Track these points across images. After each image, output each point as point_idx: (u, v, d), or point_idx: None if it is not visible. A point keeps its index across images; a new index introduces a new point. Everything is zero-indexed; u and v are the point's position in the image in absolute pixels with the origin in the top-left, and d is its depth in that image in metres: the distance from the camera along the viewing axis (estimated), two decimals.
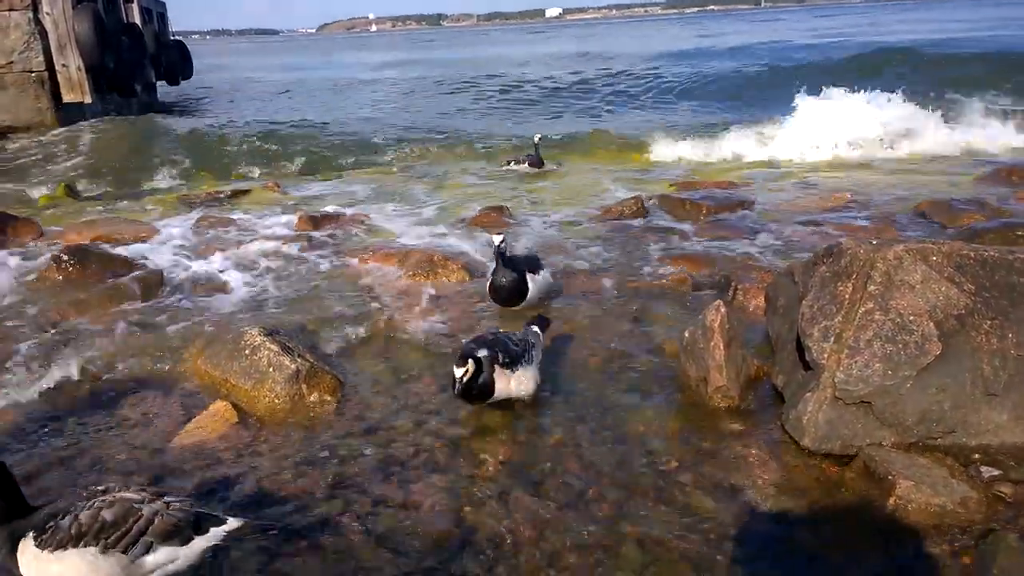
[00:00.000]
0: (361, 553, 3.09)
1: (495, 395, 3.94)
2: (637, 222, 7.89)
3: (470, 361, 3.82)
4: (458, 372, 3.82)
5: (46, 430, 4.10)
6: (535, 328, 4.40)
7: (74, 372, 4.73)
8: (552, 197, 9.61)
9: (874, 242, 4.04)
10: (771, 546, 3.08)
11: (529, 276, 5.28)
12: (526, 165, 11.54)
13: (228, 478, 3.61)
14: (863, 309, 3.65)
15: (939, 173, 10.08)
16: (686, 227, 7.65)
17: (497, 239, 5.16)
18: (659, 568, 2.96)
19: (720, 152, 13.01)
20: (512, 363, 3.97)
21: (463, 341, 4.37)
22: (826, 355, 3.67)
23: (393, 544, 3.14)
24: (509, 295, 5.29)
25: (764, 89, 19.70)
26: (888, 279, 3.67)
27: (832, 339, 3.67)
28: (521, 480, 3.54)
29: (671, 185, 9.87)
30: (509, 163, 11.80)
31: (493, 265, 5.45)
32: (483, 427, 4.00)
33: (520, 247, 6.75)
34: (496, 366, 3.91)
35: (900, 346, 3.57)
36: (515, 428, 3.99)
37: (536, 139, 11.90)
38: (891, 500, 3.28)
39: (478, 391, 3.91)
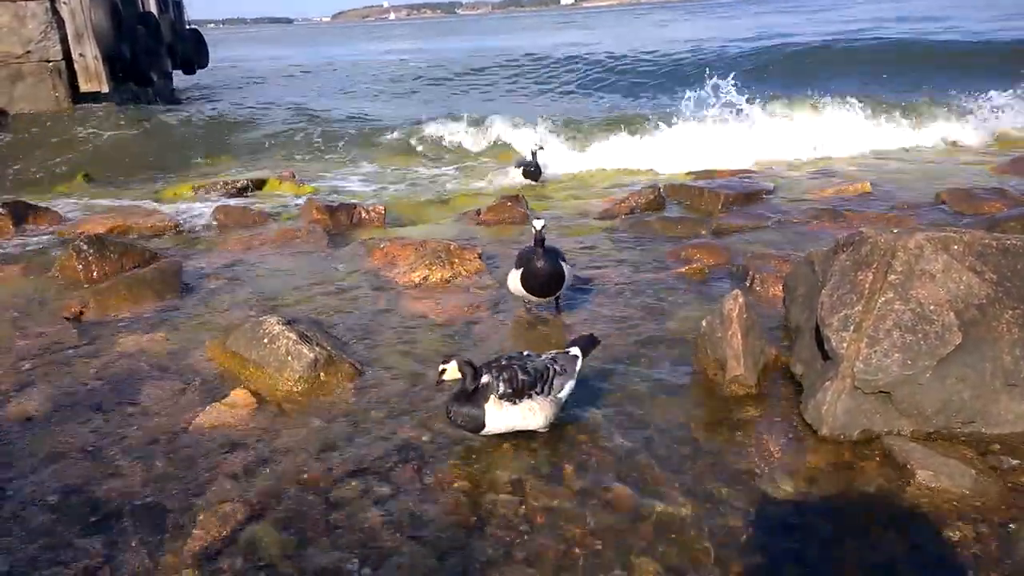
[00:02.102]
0: (379, 537, 3.12)
1: (488, 428, 3.57)
2: (652, 212, 7.86)
3: (452, 364, 3.52)
4: (440, 367, 3.55)
5: (67, 417, 4.15)
6: (574, 351, 3.87)
7: (94, 360, 4.78)
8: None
9: (895, 231, 4.00)
10: (788, 534, 3.08)
11: (566, 267, 5.04)
12: (519, 173, 9.90)
13: (247, 463, 3.65)
14: (883, 298, 3.62)
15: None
16: (701, 215, 7.61)
17: (539, 224, 4.88)
18: (676, 554, 2.97)
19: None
20: (515, 395, 3.56)
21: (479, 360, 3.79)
22: (845, 344, 3.65)
23: (411, 529, 3.17)
24: (548, 281, 4.97)
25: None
26: (909, 268, 3.64)
27: (852, 328, 3.65)
28: (538, 466, 3.55)
29: (687, 174, 9.82)
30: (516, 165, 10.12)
31: (521, 253, 5.14)
32: None
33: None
34: (492, 396, 3.54)
35: (920, 336, 3.55)
36: None
37: (536, 146, 10.02)
38: (910, 489, 3.27)
39: (461, 421, 3.56)
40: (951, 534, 3.03)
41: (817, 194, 8.34)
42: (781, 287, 5.06)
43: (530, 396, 3.58)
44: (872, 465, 3.48)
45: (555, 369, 3.69)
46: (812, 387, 3.81)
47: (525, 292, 5.04)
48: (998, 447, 3.53)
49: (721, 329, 4.20)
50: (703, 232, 7.05)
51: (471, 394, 3.52)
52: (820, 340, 3.87)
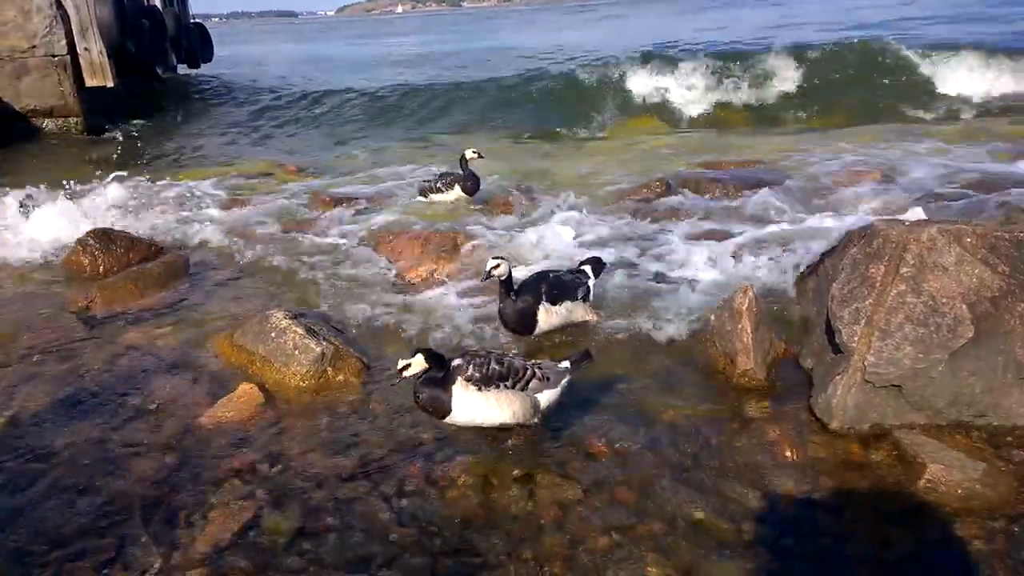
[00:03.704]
0: (388, 532, 3.12)
1: (455, 414, 3.47)
2: (661, 203, 7.82)
3: (418, 356, 3.38)
4: (400, 363, 3.39)
5: (77, 412, 4.15)
6: (564, 364, 3.77)
7: (102, 354, 4.79)
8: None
9: (907, 223, 3.97)
10: (798, 527, 3.07)
11: (544, 307, 4.59)
12: (456, 191, 7.86)
13: (255, 458, 3.65)
14: (895, 291, 3.59)
15: None
16: (711, 205, 7.56)
17: (491, 264, 4.39)
18: (685, 548, 2.96)
19: None
20: (483, 380, 3.48)
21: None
22: (856, 338, 3.62)
23: (419, 523, 3.16)
24: (511, 325, 4.64)
25: None
26: (921, 261, 3.61)
27: (863, 322, 3.63)
28: (545, 462, 3.54)
29: (698, 164, 9.75)
30: (433, 189, 7.97)
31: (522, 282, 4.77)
32: None
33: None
34: (460, 378, 3.46)
35: (932, 329, 3.52)
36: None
37: (471, 154, 7.86)
38: (921, 482, 3.25)
39: (427, 402, 3.47)
40: (962, 527, 3.01)
41: (826, 183, 8.26)
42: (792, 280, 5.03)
43: (498, 386, 3.52)
44: (883, 459, 3.45)
45: (535, 372, 3.62)
46: (822, 381, 3.79)
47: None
48: (1010, 440, 3.50)
49: (731, 323, 4.18)
50: (711, 222, 7.01)
51: (440, 379, 3.45)
52: (831, 333, 3.85)
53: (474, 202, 7.93)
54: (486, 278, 4.41)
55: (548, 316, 4.61)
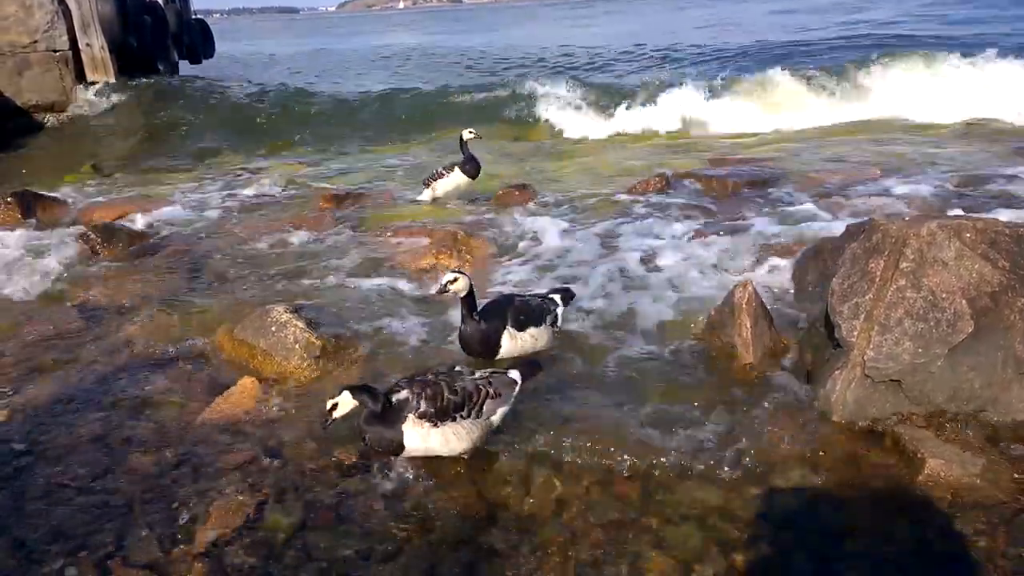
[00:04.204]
0: (387, 527, 3.13)
1: (408, 451, 3.34)
2: (661, 198, 7.82)
3: (344, 394, 3.21)
4: (328, 404, 3.24)
5: (77, 408, 4.16)
6: (514, 374, 3.66)
7: (103, 348, 4.80)
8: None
9: (907, 218, 3.97)
10: (797, 522, 3.08)
11: (510, 332, 4.30)
12: (457, 174, 7.67)
13: (256, 451, 3.65)
14: (895, 286, 3.59)
15: None
16: (711, 203, 7.57)
17: (447, 278, 4.10)
18: (685, 542, 2.97)
19: None
20: (437, 415, 3.29)
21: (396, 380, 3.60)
22: (856, 333, 3.63)
23: (419, 519, 3.17)
24: (473, 348, 4.34)
25: None
26: (921, 256, 3.61)
27: (862, 316, 3.63)
28: (545, 457, 3.55)
29: (698, 161, 9.76)
30: (435, 176, 7.79)
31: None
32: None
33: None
34: (411, 416, 3.27)
35: (931, 324, 3.52)
36: (539, 404, 3.99)
37: (469, 134, 7.63)
38: (920, 477, 3.26)
39: (375, 443, 3.31)
40: (961, 522, 3.02)
41: (826, 180, 8.27)
42: (792, 274, 5.03)
43: (454, 419, 3.30)
44: (882, 453, 3.46)
45: (488, 391, 3.42)
46: (822, 375, 3.80)
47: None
48: (1010, 435, 3.50)
49: (731, 317, 4.19)
50: (711, 218, 7.02)
51: (384, 414, 3.23)
52: (830, 328, 3.85)
53: (475, 193, 7.88)
54: (441, 292, 4.11)
55: (513, 342, 4.32)
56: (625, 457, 3.51)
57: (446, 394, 3.30)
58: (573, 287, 5.09)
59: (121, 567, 2.97)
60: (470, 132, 7.64)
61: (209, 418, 3.98)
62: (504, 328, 4.29)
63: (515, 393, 3.58)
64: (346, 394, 3.19)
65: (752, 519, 3.09)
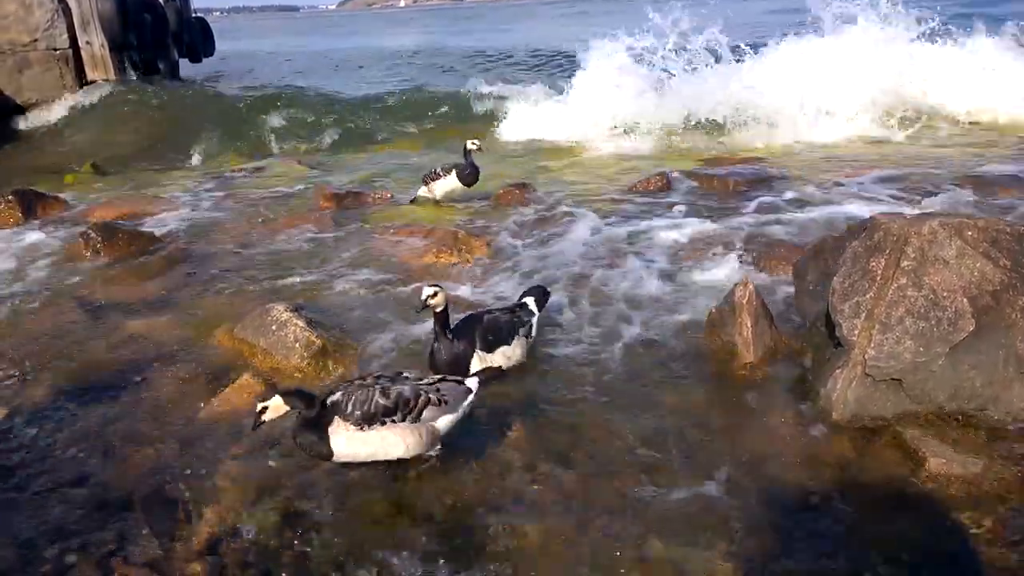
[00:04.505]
0: (386, 522, 3.13)
1: (337, 456, 3.22)
2: (661, 197, 7.82)
3: (276, 398, 3.12)
4: (258, 406, 3.13)
5: (78, 404, 4.16)
6: (471, 382, 3.51)
7: (103, 346, 4.80)
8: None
9: (908, 216, 3.97)
10: (798, 520, 3.07)
11: (479, 355, 4.12)
12: (452, 178, 7.56)
13: (256, 449, 3.65)
14: (896, 285, 3.59)
15: None
16: (710, 201, 7.57)
17: (427, 292, 3.94)
18: (687, 538, 2.96)
19: None
20: (365, 419, 3.18)
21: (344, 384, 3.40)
22: (857, 331, 3.62)
23: (417, 514, 3.17)
24: (442, 370, 4.03)
25: None
26: (922, 254, 3.61)
27: (863, 315, 3.63)
28: (547, 451, 3.55)
29: (698, 160, 9.76)
30: (432, 177, 7.72)
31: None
32: (507, 398, 4.00)
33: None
34: (338, 419, 3.17)
35: (933, 323, 3.52)
36: (540, 399, 4.00)
37: (472, 145, 7.55)
38: (921, 476, 3.26)
39: (305, 447, 3.20)
40: (963, 520, 3.02)
41: (826, 178, 8.26)
42: (792, 273, 5.03)
43: (383, 423, 3.19)
44: (883, 452, 3.46)
45: (430, 398, 3.29)
46: (823, 374, 3.79)
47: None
48: (1011, 434, 3.50)
49: (731, 316, 4.19)
50: (711, 217, 7.02)
51: (317, 418, 3.15)
52: (831, 327, 3.85)
53: (471, 194, 7.85)
54: (422, 308, 3.95)
55: (482, 365, 4.10)
56: (624, 453, 3.51)
57: (376, 398, 3.20)
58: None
59: (121, 564, 2.97)
60: (473, 143, 7.58)
61: (209, 415, 3.98)
62: (473, 351, 4.12)
63: (468, 402, 3.42)
64: (277, 398, 3.10)
65: (752, 517, 3.08)
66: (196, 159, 12.41)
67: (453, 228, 6.69)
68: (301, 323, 4.55)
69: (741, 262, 5.81)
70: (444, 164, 7.84)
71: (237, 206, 8.23)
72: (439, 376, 3.51)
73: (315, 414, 3.15)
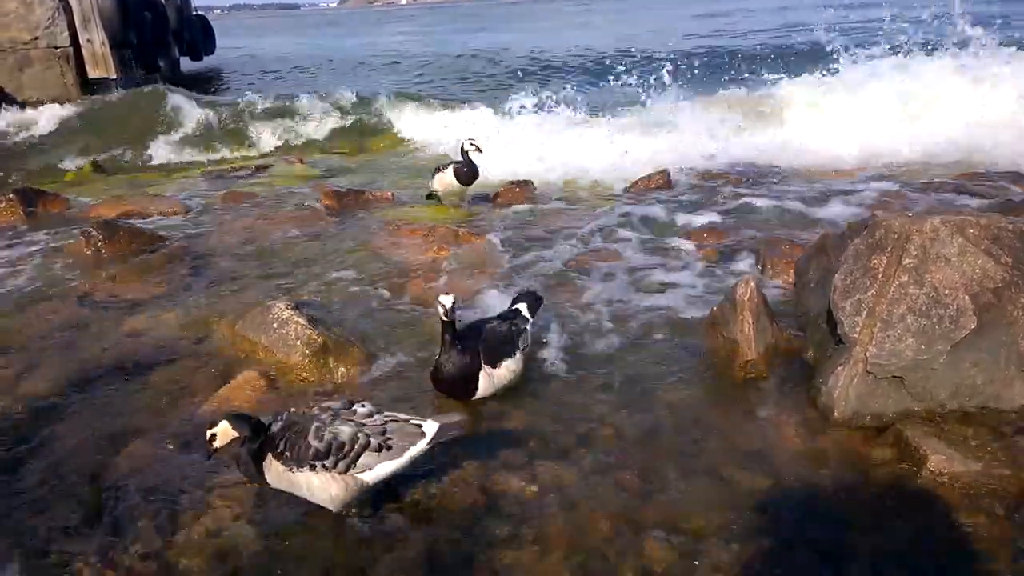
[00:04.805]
0: (389, 520, 3.13)
1: (274, 486, 3.06)
2: (662, 194, 7.82)
3: (223, 424, 2.95)
4: (207, 433, 2.98)
5: (78, 399, 4.17)
6: (428, 427, 3.06)
7: (104, 343, 4.80)
8: None
9: (910, 214, 3.96)
10: (800, 517, 3.07)
11: (485, 372, 3.88)
12: (449, 175, 7.52)
13: None
14: (897, 282, 3.59)
15: None
16: (711, 198, 7.56)
17: (448, 301, 3.73)
18: (686, 537, 2.96)
19: None
20: (292, 461, 2.93)
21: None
22: (858, 329, 3.62)
23: (420, 510, 3.17)
24: (451, 388, 3.92)
25: None
26: (924, 252, 3.60)
27: (865, 313, 3.62)
28: (548, 449, 3.55)
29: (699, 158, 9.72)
30: (439, 169, 7.73)
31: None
32: (509, 397, 4.00)
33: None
34: (270, 453, 2.98)
35: (934, 320, 3.52)
36: (542, 398, 4.00)
37: (469, 145, 7.42)
38: (923, 473, 3.26)
39: (246, 474, 3.06)
40: (964, 518, 3.02)
41: (825, 175, 8.25)
42: (793, 271, 5.03)
43: (313, 467, 2.92)
44: (884, 450, 3.46)
45: (369, 443, 2.96)
46: (824, 372, 3.79)
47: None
48: (1012, 431, 3.49)
49: (732, 314, 4.18)
50: (712, 214, 7.02)
51: (257, 447, 2.99)
52: (832, 324, 3.84)
53: (476, 190, 7.81)
54: (447, 318, 3.74)
55: (489, 383, 3.91)
56: (625, 448, 3.52)
57: (309, 438, 2.92)
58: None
59: (123, 557, 2.98)
60: (471, 143, 7.49)
61: (211, 411, 3.97)
62: (480, 366, 3.86)
63: (419, 448, 3.02)
64: (224, 423, 2.93)
65: (754, 514, 3.08)
66: (197, 157, 12.41)
67: (454, 226, 6.69)
68: (302, 321, 4.55)
69: (742, 258, 5.81)
70: (449, 161, 7.80)
71: (238, 204, 8.22)
72: (391, 416, 3.11)
73: (257, 444, 2.98)
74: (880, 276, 3.66)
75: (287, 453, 2.92)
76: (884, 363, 3.53)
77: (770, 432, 3.62)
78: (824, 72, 11.61)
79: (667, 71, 12.37)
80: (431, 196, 7.92)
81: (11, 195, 7.95)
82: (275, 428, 3.01)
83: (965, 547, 2.89)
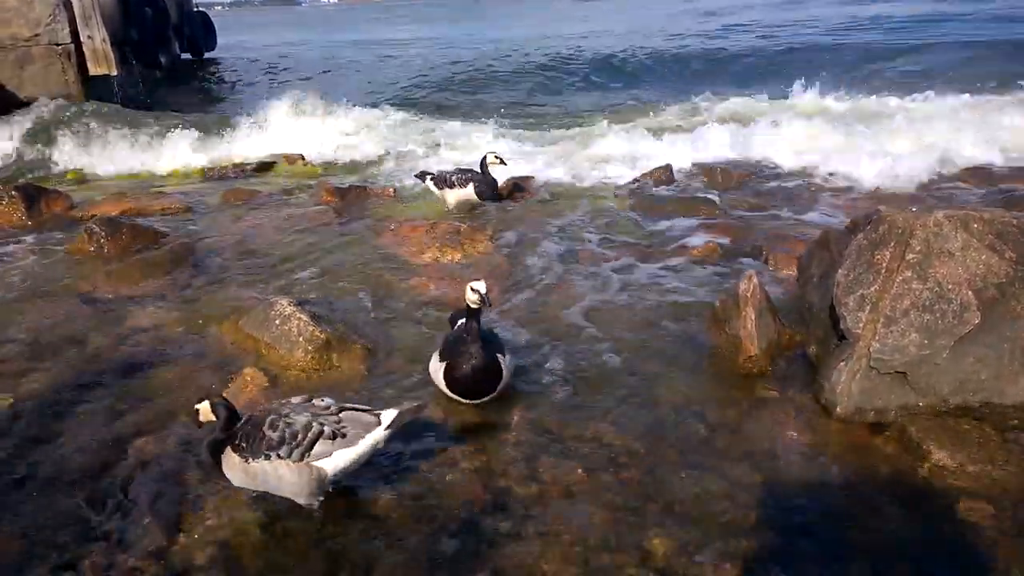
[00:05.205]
0: (393, 515, 3.13)
1: (232, 482, 3.10)
2: (664, 190, 7.80)
3: (204, 404, 3.08)
4: (196, 406, 3.10)
5: (84, 396, 4.17)
6: (387, 415, 3.07)
7: (107, 339, 4.80)
8: None
9: (913, 209, 3.96)
10: (803, 512, 3.08)
11: (503, 362, 3.75)
12: (469, 190, 7.16)
13: None
14: (901, 278, 3.58)
15: None
16: (714, 194, 7.55)
17: (481, 287, 3.61)
18: (689, 532, 2.96)
19: None
20: (248, 452, 2.97)
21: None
22: (861, 324, 3.62)
23: (424, 506, 3.17)
24: (477, 385, 3.70)
25: None
26: (927, 247, 3.60)
27: (868, 308, 3.62)
28: (551, 444, 3.55)
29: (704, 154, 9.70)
30: (448, 182, 7.26)
31: (449, 336, 3.92)
32: (512, 393, 4.00)
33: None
34: (229, 448, 3.02)
35: (938, 315, 3.51)
36: (545, 393, 4.00)
37: (491, 158, 7.21)
38: (925, 468, 3.27)
39: (206, 464, 3.13)
40: (967, 512, 3.02)
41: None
42: (796, 267, 5.02)
43: (268, 457, 2.95)
44: (887, 444, 3.46)
45: (323, 431, 2.98)
46: (827, 367, 3.79)
47: (447, 390, 3.79)
48: (1015, 427, 3.49)
49: (735, 309, 4.18)
50: (715, 210, 7.00)
51: (222, 440, 3.05)
52: (835, 320, 3.84)
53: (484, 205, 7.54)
54: (482, 304, 3.62)
55: (508, 376, 3.77)
56: (628, 443, 3.52)
57: (264, 429, 2.97)
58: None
59: (125, 554, 2.98)
60: (494, 156, 7.24)
61: None
62: (499, 361, 3.70)
63: (374, 437, 3.03)
64: (206, 404, 3.05)
65: (756, 509, 3.09)
66: (198, 154, 12.37)
67: (455, 223, 6.67)
68: (305, 317, 4.55)
69: (744, 254, 5.80)
70: (462, 172, 7.42)
71: (240, 201, 8.21)
72: (349, 407, 3.12)
73: (223, 436, 3.04)
74: (883, 271, 3.66)
75: (243, 445, 2.98)
76: (887, 358, 3.53)
77: (773, 427, 3.62)
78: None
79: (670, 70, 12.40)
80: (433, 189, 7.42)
81: (13, 192, 7.93)
82: (240, 423, 3.08)
83: (967, 542, 2.89)
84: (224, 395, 4.04)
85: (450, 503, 3.20)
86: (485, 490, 3.26)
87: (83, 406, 4.06)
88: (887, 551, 2.86)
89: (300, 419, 2.99)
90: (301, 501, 3.07)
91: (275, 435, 2.95)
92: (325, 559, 2.94)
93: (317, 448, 2.96)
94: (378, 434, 3.03)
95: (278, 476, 2.97)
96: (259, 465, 2.96)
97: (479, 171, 7.24)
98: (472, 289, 3.62)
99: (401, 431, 3.26)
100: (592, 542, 2.95)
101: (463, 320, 3.92)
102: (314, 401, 3.13)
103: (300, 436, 2.96)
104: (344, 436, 2.99)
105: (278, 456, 2.95)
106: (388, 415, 3.05)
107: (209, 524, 3.13)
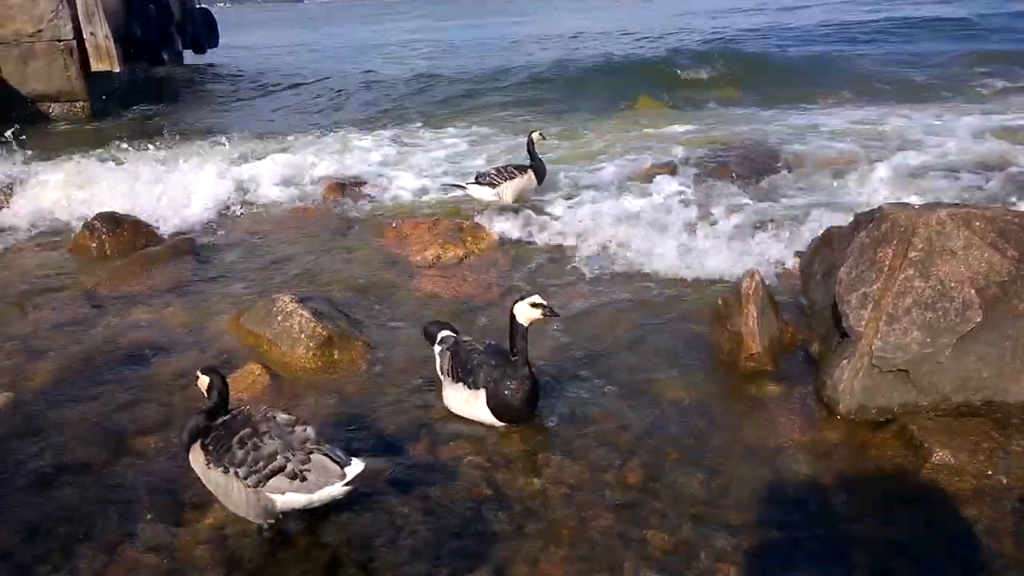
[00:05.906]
0: (394, 512, 3.13)
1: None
2: (668, 183, 7.76)
3: (203, 377, 3.09)
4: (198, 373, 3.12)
5: (83, 391, 4.17)
6: (351, 469, 2.87)
7: (109, 335, 4.80)
8: None
9: (916, 206, 3.95)
10: (804, 509, 3.07)
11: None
12: (529, 176, 6.96)
13: None
14: (903, 275, 3.58)
15: None
16: (717, 188, 7.51)
17: (540, 300, 3.45)
18: (690, 530, 2.96)
19: None
20: (214, 457, 2.91)
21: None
22: (864, 322, 3.62)
23: (425, 503, 3.18)
24: (531, 411, 3.59)
25: None
26: (930, 245, 3.59)
27: (870, 306, 3.62)
28: (551, 441, 3.55)
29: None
30: (508, 176, 6.87)
31: (458, 345, 3.77)
32: None
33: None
34: (199, 443, 3.00)
35: (940, 313, 3.51)
36: (545, 391, 3.99)
37: (536, 136, 7.08)
38: (927, 466, 3.26)
39: (182, 446, 3.07)
40: (969, 512, 3.01)
41: (833, 162, 8.19)
42: (798, 264, 5.02)
43: (227, 471, 2.89)
44: (889, 443, 3.45)
45: (285, 467, 2.85)
46: (829, 365, 3.78)
47: (493, 420, 3.60)
48: (1017, 425, 3.49)
49: (737, 307, 4.17)
50: (716, 206, 6.97)
51: (202, 427, 3.02)
52: (837, 318, 3.83)
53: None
54: (550, 314, 3.48)
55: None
56: (630, 441, 3.51)
57: (233, 441, 2.90)
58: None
59: (127, 550, 2.99)
60: (539, 134, 7.10)
61: None
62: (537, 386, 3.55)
63: (333, 490, 2.87)
64: (206, 379, 3.07)
65: (758, 505, 3.09)
66: (200, 151, 12.35)
67: (459, 219, 6.67)
68: (307, 314, 4.55)
69: (747, 250, 5.78)
70: (511, 164, 7.21)
71: (242, 197, 8.20)
72: (323, 449, 2.92)
73: (204, 425, 3.02)
74: (886, 269, 3.65)
75: (211, 447, 2.94)
76: (889, 356, 3.52)
77: (775, 425, 3.62)
78: None
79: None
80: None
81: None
82: (225, 418, 3.03)
83: (969, 540, 2.89)
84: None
85: (452, 500, 3.20)
86: (486, 488, 3.26)
87: (83, 400, 4.07)
88: (889, 549, 2.86)
89: (269, 446, 2.88)
90: (249, 519, 3.00)
91: (240, 453, 2.88)
92: (327, 555, 2.94)
93: (273, 482, 2.86)
94: (335, 490, 2.88)
95: (228, 491, 2.92)
96: (216, 474, 2.92)
97: (527, 152, 7.11)
98: (533, 304, 3.43)
99: (407, 430, 3.22)
100: (594, 540, 2.94)
101: (446, 333, 3.90)
102: (296, 429, 2.97)
103: (262, 464, 2.87)
104: (304, 480, 2.86)
105: (235, 473, 2.88)
106: (354, 468, 2.88)
107: (211, 519, 3.13)
